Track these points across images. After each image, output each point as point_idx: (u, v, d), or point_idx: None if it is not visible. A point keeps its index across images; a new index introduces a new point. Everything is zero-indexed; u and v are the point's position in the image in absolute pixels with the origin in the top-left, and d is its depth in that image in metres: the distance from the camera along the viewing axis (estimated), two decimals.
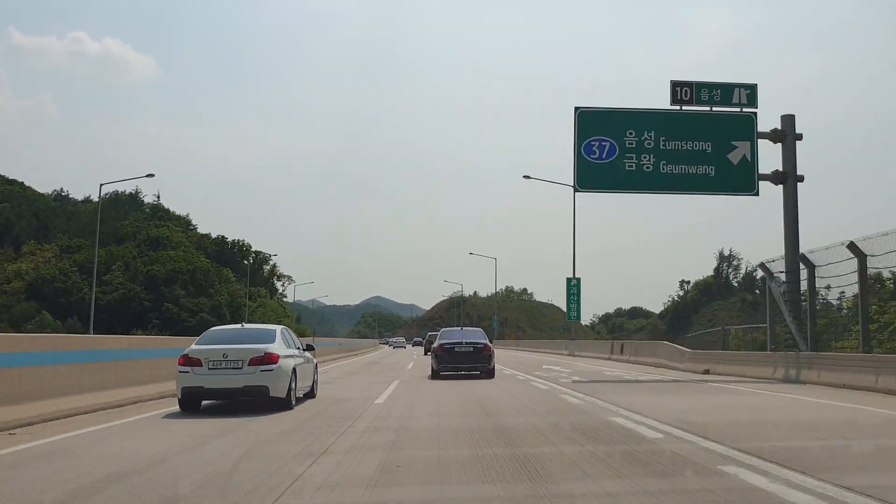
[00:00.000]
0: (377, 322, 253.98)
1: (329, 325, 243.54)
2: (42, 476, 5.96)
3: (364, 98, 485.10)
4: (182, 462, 6.57)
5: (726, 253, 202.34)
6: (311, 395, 13.11)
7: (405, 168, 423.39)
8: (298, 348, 12.57)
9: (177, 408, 11.10)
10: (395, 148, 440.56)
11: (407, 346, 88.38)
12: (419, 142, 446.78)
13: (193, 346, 11.16)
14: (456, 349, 19.18)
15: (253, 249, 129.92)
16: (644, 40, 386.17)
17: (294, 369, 11.46)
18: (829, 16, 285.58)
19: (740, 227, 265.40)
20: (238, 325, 13.21)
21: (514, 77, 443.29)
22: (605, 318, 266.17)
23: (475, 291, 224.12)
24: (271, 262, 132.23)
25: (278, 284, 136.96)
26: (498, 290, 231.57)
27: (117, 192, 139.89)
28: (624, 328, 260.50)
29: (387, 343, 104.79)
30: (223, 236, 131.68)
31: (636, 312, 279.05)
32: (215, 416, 10.46)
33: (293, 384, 11.32)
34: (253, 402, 11.22)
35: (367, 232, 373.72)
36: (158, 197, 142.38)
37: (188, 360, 10.81)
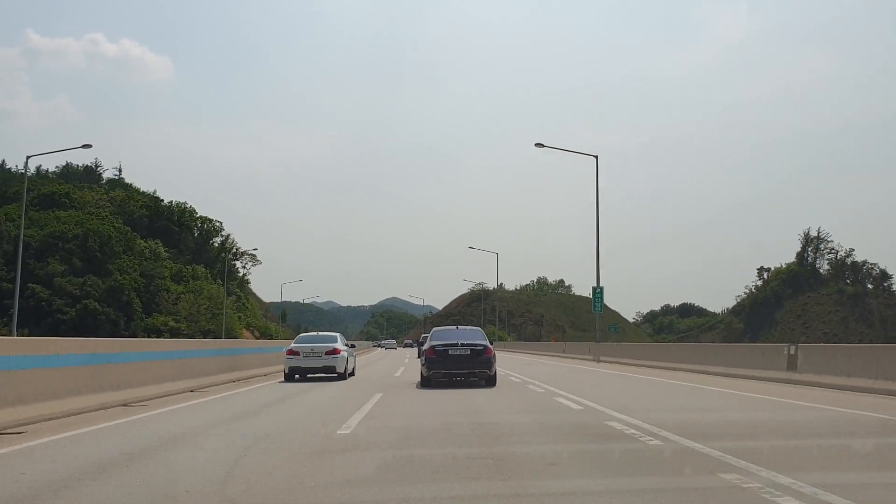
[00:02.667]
0: (388, 322, 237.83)
1: (342, 326, 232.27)
2: (200, 413, 11.11)
3: (379, 101, 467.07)
4: (300, 399, 13.57)
5: (813, 234, 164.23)
6: (352, 373, 21.21)
7: (421, 169, 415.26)
8: (346, 346, 20.58)
9: (282, 379, 19.23)
10: (411, 149, 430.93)
11: (398, 348, 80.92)
12: (434, 142, 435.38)
13: (293, 345, 19.62)
14: (450, 352, 16.26)
15: (199, 215, 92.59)
16: (655, 37, 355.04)
17: (346, 358, 19.80)
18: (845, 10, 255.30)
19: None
20: (315, 333, 24.04)
21: (526, 75, 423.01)
22: (651, 317, 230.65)
23: (501, 283, 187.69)
24: (224, 234, 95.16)
25: (239, 265, 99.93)
26: (529, 282, 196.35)
27: (70, 164, 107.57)
28: (674, 328, 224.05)
29: (379, 345, 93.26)
30: (157, 196, 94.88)
31: (688, 310, 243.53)
32: (306, 382, 18.47)
33: (346, 366, 19.78)
34: (327, 375, 19.43)
35: (384, 233, 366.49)
36: (120, 171, 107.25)
37: (292, 352, 19.23)
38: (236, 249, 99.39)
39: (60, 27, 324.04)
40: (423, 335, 44.91)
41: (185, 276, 78.33)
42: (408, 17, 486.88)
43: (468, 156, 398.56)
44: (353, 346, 22.86)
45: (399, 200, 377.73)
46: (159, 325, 68.27)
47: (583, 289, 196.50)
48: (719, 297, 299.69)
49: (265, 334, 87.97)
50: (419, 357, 30.39)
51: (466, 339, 16.62)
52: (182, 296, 72.08)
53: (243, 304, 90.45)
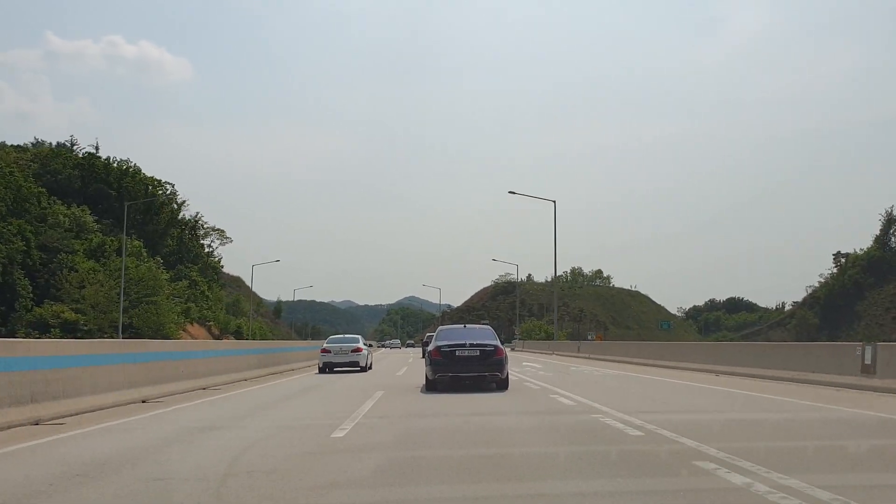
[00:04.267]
0: (404, 320, 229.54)
1: (359, 325, 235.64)
2: (258, 395, 14.19)
3: (396, 101, 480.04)
4: (333, 385, 17.02)
5: None
6: (371, 367, 25.32)
7: (440, 169, 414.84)
8: (366, 345, 25.56)
9: (317, 371, 23.62)
10: (430, 148, 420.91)
11: (402, 348, 73.95)
12: (454, 141, 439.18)
13: (326, 344, 24.23)
14: (457, 353, 14.76)
15: (147, 176, 70.55)
16: (673, 33, 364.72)
17: (366, 355, 24.49)
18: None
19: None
20: (342, 335, 28.38)
21: (544, 73, 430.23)
22: (695, 313, 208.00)
23: (529, 275, 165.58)
24: (180, 201, 73.10)
25: (205, 242, 77.79)
26: (562, 272, 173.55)
27: (40, 140, 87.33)
28: (722, 324, 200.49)
29: (383, 345, 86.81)
30: (92, 153, 72.98)
31: (736, 304, 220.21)
32: (335, 374, 22.47)
33: (367, 361, 24.37)
34: (353, 369, 23.68)
35: (403, 233, 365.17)
36: (97, 148, 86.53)
37: (325, 350, 23.70)
38: (196, 222, 77.61)
39: (80, 29, 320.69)
40: (429, 334, 43.10)
41: (106, 250, 56.07)
42: (423, 17, 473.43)
43: (487, 153, 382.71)
44: (370, 345, 30.76)
45: (419, 200, 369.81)
46: (48, 316, 46.28)
47: (622, 280, 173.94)
48: (770, 290, 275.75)
49: (228, 331, 66.26)
50: (423, 357, 31.17)
51: (475, 339, 15.06)
52: (91, 275, 49.80)
53: (202, 293, 68.42)
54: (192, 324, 60.69)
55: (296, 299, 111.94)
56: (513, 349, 59.91)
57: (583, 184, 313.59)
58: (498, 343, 15.01)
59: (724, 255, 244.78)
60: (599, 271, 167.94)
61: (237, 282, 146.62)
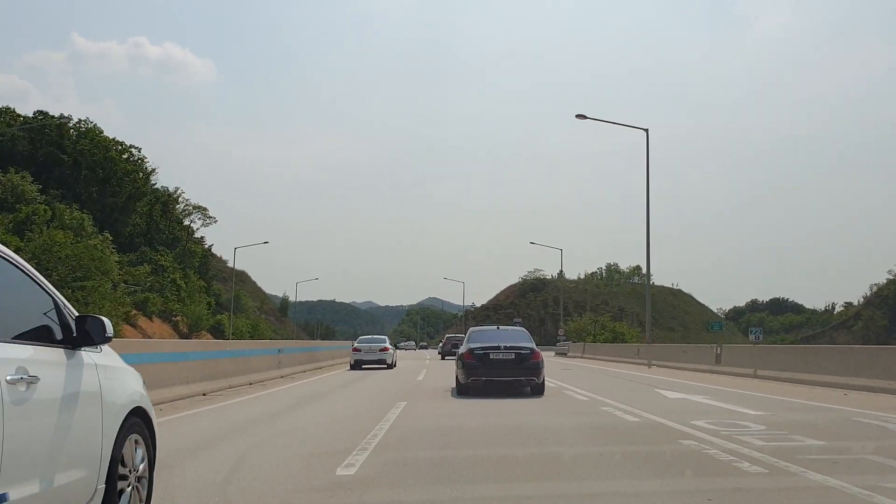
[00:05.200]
0: (425, 320, 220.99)
1: (379, 326, 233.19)
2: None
3: (416, 101, 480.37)
4: (362, 382, 18.59)
5: None
6: (395, 365, 27.48)
7: (463, 169, 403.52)
8: (392, 346, 28.38)
9: (349, 368, 26.11)
10: (451, 149, 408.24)
11: (415, 350, 73.64)
12: (476, 140, 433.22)
13: (357, 344, 26.87)
14: (491, 355, 13.97)
15: (108, 137, 57.90)
16: (701, 32, 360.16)
17: (392, 353, 27.21)
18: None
19: None
20: (371, 336, 30.87)
21: (569, 70, 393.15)
22: (736, 314, 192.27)
23: (561, 270, 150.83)
24: (149, 168, 60.34)
25: (188, 221, 64.99)
26: (596, 269, 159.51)
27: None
28: (766, 326, 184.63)
29: (397, 347, 67.20)
30: (44, 112, 60.58)
31: (781, 305, 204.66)
32: (365, 370, 24.59)
33: (392, 359, 26.92)
34: (380, 366, 25.97)
35: (424, 234, 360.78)
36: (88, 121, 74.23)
37: (356, 349, 26.42)
38: (170, 196, 64.96)
39: (105, 30, 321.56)
40: (448, 335, 46.06)
41: (36, 221, 43.40)
42: (444, 16, 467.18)
43: (510, 151, 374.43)
44: (396, 345, 36.11)
45: (439, 200, 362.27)
46: None
47: (662, 277, 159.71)
48: (813, 290, 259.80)
49: (201, 328, 53.42)
50: (443, 358, 36.75)
51: (510, 342, 14.39)
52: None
53: (172, 282, 55.56)
54: (149, 318, 48.04)
55: (316, 299, 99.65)
56: (566, 355, 46.10)
57: (610, 180, 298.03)
58: (534, 345, 14.50)
59: (758, 253, 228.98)
60: (638, 267, 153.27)
61: (241, 276, 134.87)
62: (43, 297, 3.48)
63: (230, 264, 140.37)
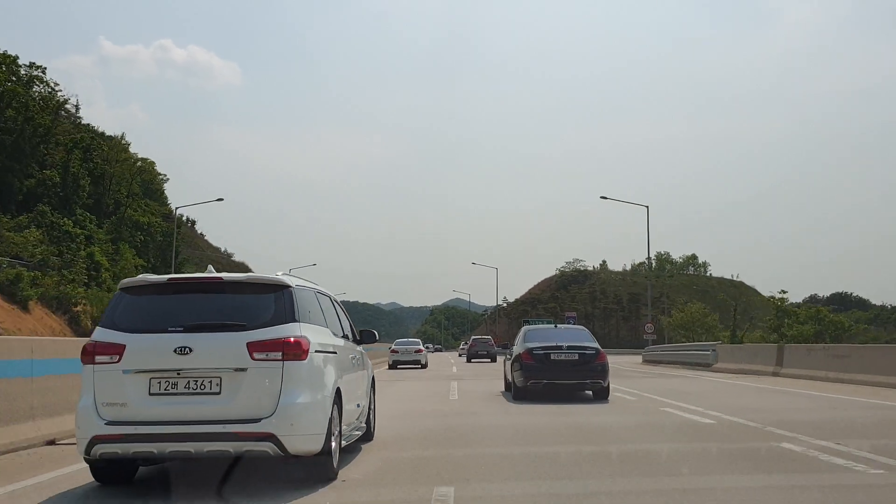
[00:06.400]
0: (449, 321, 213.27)
1: (402, 327, 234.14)
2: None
3: (437, 101, 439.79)
4: (410, 373, 24.42)
5: None
6: (427, 365, 30.63)
7: (484, 166, 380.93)
8: (426, 347, 36.15)
9: (387, 367, 29.66)
10: (474, 147, 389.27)
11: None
12: (497, 138, 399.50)
13: (394, 346, 31.74)
14: (552, 356, 12.89)
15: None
16: (727, 29, 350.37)
17: (426, 354, 31.45)
18: None
19: None
20: (407, 339, 34.64)
21: (592, 66, 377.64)
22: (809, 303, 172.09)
23: (603, 261, 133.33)
24: (60, 97, 42.81)
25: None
26: (644, 259, 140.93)
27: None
28: (836, 324, 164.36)
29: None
30: None
31: (845, 300, 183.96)
32: (402, 370, 27.73)
33: (426, 360, 30.66)
34: (415, 366, 29.64)
35: (449, 234, 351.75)
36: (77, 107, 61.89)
37: (394, 350, 31.09)
38: (96, 137, 47.64)
39: (131, 34, 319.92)
40: (474, 337, 46.51)
41: None
42: (464, 13, 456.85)
43: (535, 147, 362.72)
44: (428, 347, 41.23)
45: (463, 199, 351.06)
46: None
47: (719, 267, 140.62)
48: (872, 285, 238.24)
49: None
50: (469, 361, 37.15)
51: (572, 341, 13.21)
52: None
53: (87, 256, 38.36)
54: (22, 305, 30.94)
55: (339, 300, 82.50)
56: (710, 367, 26.73)
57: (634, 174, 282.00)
58: (598, 345, 13.35)
59: (809, 244, 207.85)
60: (693, 257, 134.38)
61: (239, 266, 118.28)
62: (346, 320, 7.49)
63: (236, 258, 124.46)
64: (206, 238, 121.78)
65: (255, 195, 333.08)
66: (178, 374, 5.04)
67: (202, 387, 5.05)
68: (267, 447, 5.00)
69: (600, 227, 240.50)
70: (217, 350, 5.09)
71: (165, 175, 64.12)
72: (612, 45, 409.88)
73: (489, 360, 36.84)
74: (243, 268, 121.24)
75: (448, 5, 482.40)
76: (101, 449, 5.00)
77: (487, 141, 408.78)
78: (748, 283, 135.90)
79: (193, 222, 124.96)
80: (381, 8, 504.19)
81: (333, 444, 5.58)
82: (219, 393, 5.03)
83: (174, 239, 42.73)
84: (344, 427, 6.13)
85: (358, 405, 7.06)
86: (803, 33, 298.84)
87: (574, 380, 12.66)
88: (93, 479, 5.45)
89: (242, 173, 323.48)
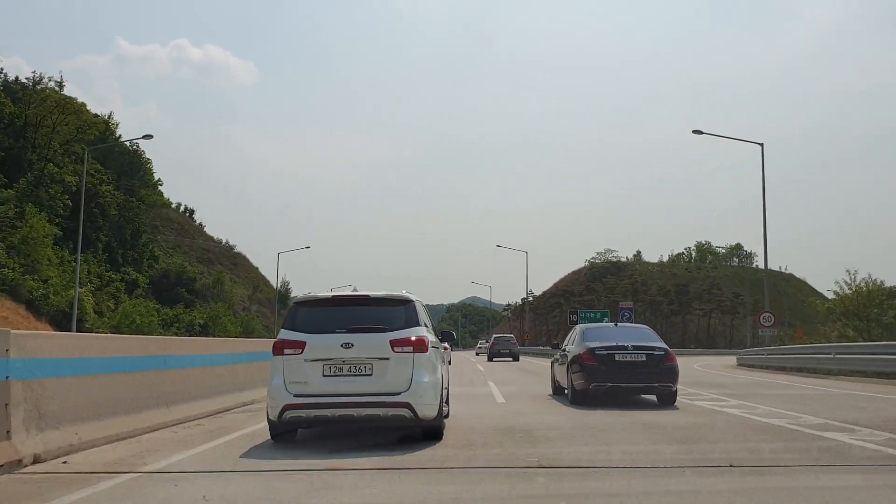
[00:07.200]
0: (466, 318, 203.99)
1: None
2: None
3: (452, 100, 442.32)
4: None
5: None
6: (450, 363, 24.34)
7: (500, 165, 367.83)
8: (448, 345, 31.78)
9: None
10: (489, 146, 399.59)
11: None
12: (513, 134, 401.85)
13: (480, 345, 54.55)
14: (617, 357, 11.79)
15: None
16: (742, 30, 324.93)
17: (449, 352, 23.13)
18: None
19: None
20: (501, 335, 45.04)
21: (608, 63, 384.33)
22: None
23: (638, 251, 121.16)
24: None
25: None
26: (684, 249, 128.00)
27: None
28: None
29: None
30: None
31: None
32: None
33: (448, 357, 22.18)
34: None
35: (465, 232, 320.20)
36: (61, 84, 58.24)
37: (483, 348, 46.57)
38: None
39: (148, 33, 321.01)
40: (496, 335, 46.12)
41: None
42: (484, 14, 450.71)
43: (552, 144, 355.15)
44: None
45: (480, 196, 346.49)
46: None
47: (771, 259, 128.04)
48: None
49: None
50: (490, 360, 36.61)
51: (637, 341, 12.12)
52: None
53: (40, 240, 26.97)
54: None
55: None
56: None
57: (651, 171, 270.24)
58: (665, 345, 12.31)
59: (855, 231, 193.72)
60: (738, 246, 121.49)
61: (234, 257, 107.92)
62: (430, 323, 8.55)
63: (240, 249, 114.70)
64: (204, 229, 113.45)
65: (267, 195, 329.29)
66: (343, 361, 7.35)
67: (359, 370, 7.37)
68: (405, 412, 7.24)
69: (629, 218, 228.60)
70: (369, 345, 7.37)
71: (138, 148, 52.23)
72: (626, 42, 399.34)
73: (511, 358, 36.54)
74: (241, 258, 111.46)
75: (466, 4, 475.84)
76: (290, 414, 7.26)
77: (504, 138, 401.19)
78: (796, 275, 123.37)
79: (192, 211, 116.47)
80: (398, 6, 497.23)
81: (442, 411, 7.86)
82: (371, 374, 7.32)
83: (81, 195, 30.85)
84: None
85: (445, 388, 8.71)
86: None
87: (641, 383, 11.73)
88: (268, 437, 7.66)
89: (257, 172, 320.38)
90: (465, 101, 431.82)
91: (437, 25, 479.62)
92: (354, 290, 8.69)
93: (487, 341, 50.15)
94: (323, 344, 7.24)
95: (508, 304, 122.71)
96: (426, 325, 7.97)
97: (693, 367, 28.60)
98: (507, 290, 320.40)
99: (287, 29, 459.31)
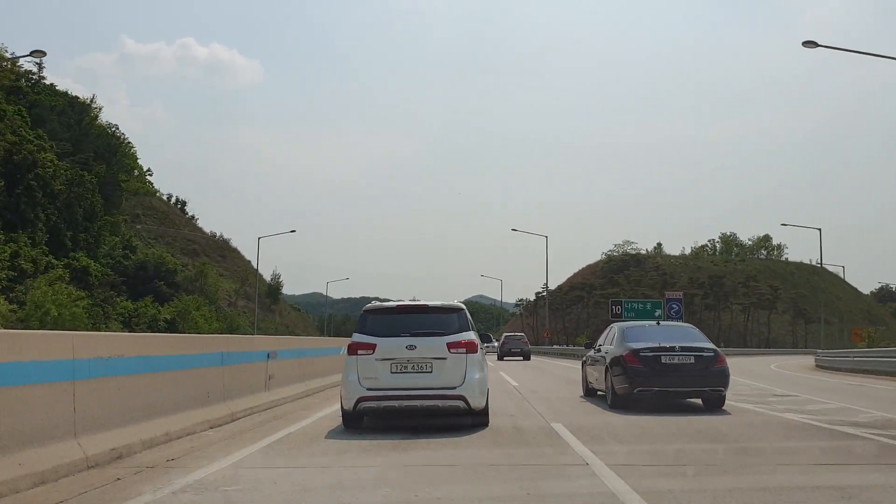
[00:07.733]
0: (474, 317, 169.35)
1: None
2: None
3: (460, 99, 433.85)
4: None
5: None
6: None
7: (519, 161, 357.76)
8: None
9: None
10: (497, 143, 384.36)
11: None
12: (525, 131, 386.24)
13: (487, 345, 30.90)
14: (663, 359, 10.94)
15: None
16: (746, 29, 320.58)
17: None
18: None
19: None
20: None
21: (622, 59, 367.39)
22: (884, 295, 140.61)
23: (658, 244, 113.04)
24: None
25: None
26: (707, 241, 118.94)
27: None
28: None
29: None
30: None
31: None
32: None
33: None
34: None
35: (474, 230, 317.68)
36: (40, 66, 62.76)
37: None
38: None
39: (153, 32, 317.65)
40: (506, 334, 44.19)
41: None
42: (497, 8, 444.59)
43: (563, 140, 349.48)
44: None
45: (489, 194, 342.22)
46: None
47: (801, 252, 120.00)
48: None
49: None
50: (500, 359, 35.55)
51: (683, 341, 11.20)
52: None
53: None
54: None
55: (359, 296, 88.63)
56: None
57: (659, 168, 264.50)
58: (714, 346, 11.46)
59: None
60: (766, 237, 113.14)
61: (222, 247, 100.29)
62: (473, 324, 9.48)
63: (229, 237, 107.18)
64: (196, 222, 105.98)
65: (277, 194, 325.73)
66: (408, 361, 8.76)
67: (421, 368, 8.78)
68: (460, 403, 8.63)
69: (645, 212, 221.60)
70: (430, 347, 8.74)
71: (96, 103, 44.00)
72: (635, 40, 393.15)
73: (522, 357, 36.36)
74: (232, 251, 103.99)
75: (477, 2, 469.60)
76: (363, 405, 8.71)
77: (512, 136, 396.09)
78: (828, 269, 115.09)
79: (184, 203, 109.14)
80: (401, 6, 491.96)
81: (488, 402, 9.29)
82: (431, 372, 8.71)
83: None
84: None
85: (488, 384, 9.82)
86: None
87: (691, 387, 10.93)
88: (340, 423, 9.13)
89: (263, 171, 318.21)
90: (469, 98, 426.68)
91: (446, 23, 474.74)
92: (414, 299, 10.20)
93: (498, 340, 47.41)
94: (390, 346, 8.75)
95: (521, 300, 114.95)
96: (473, 330, 9.32)
97: (771, 368, 27.26)
98: (513, 289, 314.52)
99: (292, 27, 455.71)
